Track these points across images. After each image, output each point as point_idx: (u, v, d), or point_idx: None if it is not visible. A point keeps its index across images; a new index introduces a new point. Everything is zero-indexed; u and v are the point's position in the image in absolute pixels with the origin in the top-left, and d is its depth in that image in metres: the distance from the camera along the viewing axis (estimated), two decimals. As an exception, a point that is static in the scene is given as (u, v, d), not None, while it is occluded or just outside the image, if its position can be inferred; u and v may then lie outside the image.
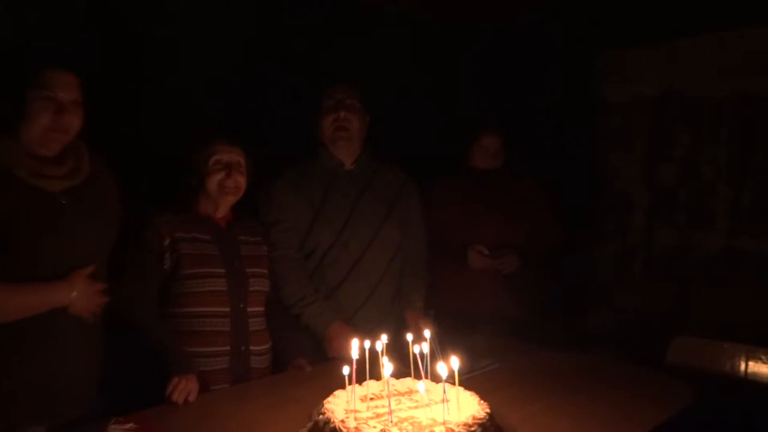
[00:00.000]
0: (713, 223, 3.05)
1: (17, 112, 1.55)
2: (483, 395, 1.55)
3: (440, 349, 1.61)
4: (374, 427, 1.36)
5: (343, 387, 1.57)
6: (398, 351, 1.73)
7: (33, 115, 1.55)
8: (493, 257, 2.65)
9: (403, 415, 1.44)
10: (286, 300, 2.23)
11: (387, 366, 1.46)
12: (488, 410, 1.45)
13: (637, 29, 3.13)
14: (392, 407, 1.42)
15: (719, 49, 2.99)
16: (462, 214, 2.69)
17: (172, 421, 1.62)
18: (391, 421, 1.38)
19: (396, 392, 1.59)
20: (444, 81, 3.20)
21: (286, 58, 2.80)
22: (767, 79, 2.85)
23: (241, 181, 2.05)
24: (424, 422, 1.39)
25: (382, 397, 1.54)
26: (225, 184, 2.00)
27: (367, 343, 1.61)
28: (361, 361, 1.57)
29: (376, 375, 1.62)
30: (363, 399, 1.52)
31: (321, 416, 1.43)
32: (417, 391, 1.56)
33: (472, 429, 1.35)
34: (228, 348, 1.95)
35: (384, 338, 1.65)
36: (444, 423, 1.36)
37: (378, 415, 1.43)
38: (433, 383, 1.58)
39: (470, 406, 1.48)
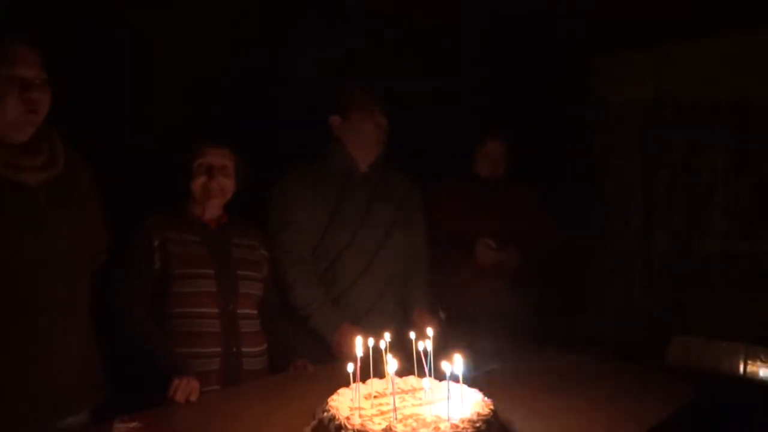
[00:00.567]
0: (710, 225, 3.08)
1: None
2: (485, 393, 1.56)
3: (444, 347, 1.62)
4: (379, 423, 1.37)
5: (345, 386, 1.57)
6: (402, 349, 1.74)
7: None
8: (500, 250, 2.67)
9: (407, 412, 1.44)
10: (295, 302, 2.23)
11: (391, 363, 1.46)
12: (492, 407, 1.46)
13: (633, 32, 3.15)
14: (396, 405, 1.43)
15: (714, 52, 3.02)
16: (463, 219, 2.70)
17: (176, 420, 1.63)
18: (396, 418, 1.38)
19: (400, 390, 1.59)
20: (444, 84, 3.20)
21: (282, 57, 2.79)
22: (762, 81, 2.88)
23: (227, 183, 2.04)
24: (429, 419, 1.39)
25: (386, 395, 1.54)
26: (208, 187, 2.01)
27: (370, 341, 1.62)
28: (364, 359, 1.58)
29: (379, 373, 1.63)
30: (367, 397, 1.53)
31: (326, 414, 1.43)
32: (420, 389, 1.57)
33: (477, 425, 1.35)
34: (219, 349, 1.95)
35: (387, 336, 1.65)
36: (448, 419, 1.37)
37: (382, 413, 1.43)
38: (437, 381, 1.59)
39: (474, 403, 1.49)
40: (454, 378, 1.44)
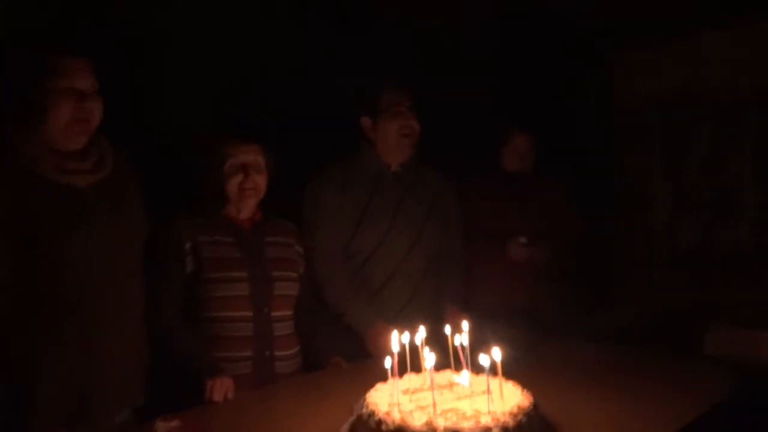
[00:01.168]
0: (739, 216, 3.03)
1: (37, 105, 1.49)
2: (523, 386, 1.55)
3: (480, 341, 1.61)
4: (419, 418, 1.36)
5: (381, 382, 1.56)
6: (437, 344, 1.73)
7: (54, 107, 1.50)
8: (531, 245, 2.67)
9: (446, 406, 1.43)
10: (329, 299, 2.24)
11: (429, 357, 1.46)
12: (532, 399, 1.45)
13: (656, 26, 3.12)
14: (435, 399, 1.43)
15: (739, 44, 2.98)
16: (492, 214, 2.70)
17: (215, 418, 1.64)
18: (436, 413, 1.38)
19: (437, 385, 1.58)
20: (471, 82, 3.21)
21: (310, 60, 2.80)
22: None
23: (260, 180, 1.99)
24: (469, 413, 1.38)
25: (423, 390, 1.54)
26: (244, 186, 1.96)
27: (406, 336, 1.61)
28: (400, 354, 1.57)
29: (416, 368, 1.62)
30: (405, 392, 1.52)
31: (364, 410, 1.43)
32: (458, 384, 1.56)
33: (518, 418, 1.34)
34: (251, 353, 1.92)
35: (422, 330, 1.65)
36: (489, 413, 1.36)
37: (421, 408, 1.42)
38: (474, 375, 1.58)
39: (513, 396, 1.47)
40: (493, 371, 1.43)
